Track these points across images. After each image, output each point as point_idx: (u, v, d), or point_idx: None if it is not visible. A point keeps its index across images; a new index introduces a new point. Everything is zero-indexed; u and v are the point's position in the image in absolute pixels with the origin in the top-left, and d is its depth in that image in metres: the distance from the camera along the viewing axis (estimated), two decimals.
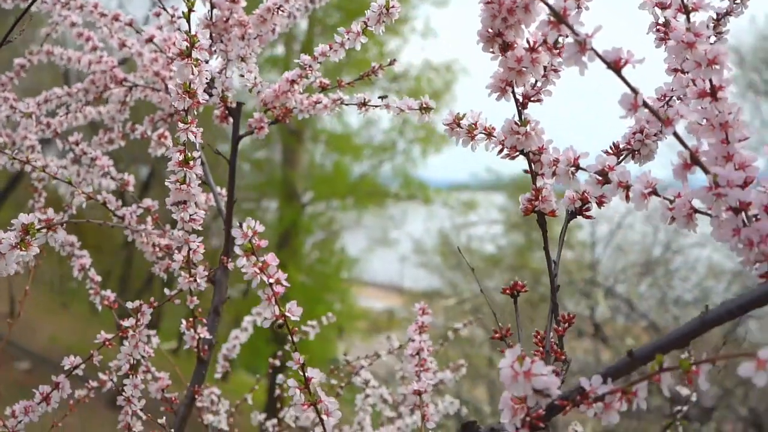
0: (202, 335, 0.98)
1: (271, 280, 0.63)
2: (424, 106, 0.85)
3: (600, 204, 0.68)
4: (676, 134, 0.52)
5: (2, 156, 1.06)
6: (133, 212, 1.04)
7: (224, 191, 1.13)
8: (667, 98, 0.70)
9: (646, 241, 7.68)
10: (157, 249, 1.03)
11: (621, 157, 0.69)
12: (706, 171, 0.52)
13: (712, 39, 0.73)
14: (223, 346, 1.44)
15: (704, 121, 0.56)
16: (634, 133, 0.69)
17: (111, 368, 1.10)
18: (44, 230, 0.69)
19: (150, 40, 1.06)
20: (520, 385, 0.50)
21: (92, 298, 1.08)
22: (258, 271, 0.62)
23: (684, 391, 1.09)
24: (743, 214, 0.52)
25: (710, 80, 0.54)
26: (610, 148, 0.70)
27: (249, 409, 1.51)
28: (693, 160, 0.52)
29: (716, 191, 0.51)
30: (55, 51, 1.28)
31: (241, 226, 0.62)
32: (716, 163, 0.54)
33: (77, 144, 1.12)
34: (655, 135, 0.68)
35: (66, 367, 0.93)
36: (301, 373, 0.65)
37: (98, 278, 1.10)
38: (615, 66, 0.51)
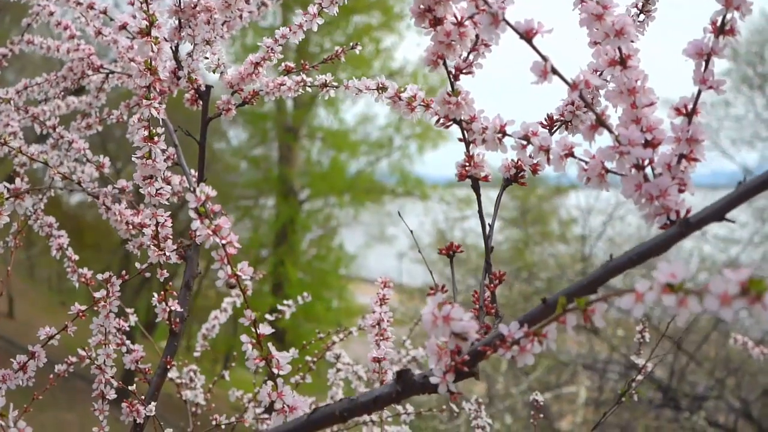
0: (173, 308, 1.02)
1: (224, 242, 0.67)
2: (381, 86, 0.90)
3: (534, 172, 0.72)
4: (581, 97, 0.56)
5: None
6: (108, 192, 1.08)
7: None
8: (598, 72, 0.74)
9: (641, 234, 7.75)
10: (131, 227, 1.07)
11: (554, 128, 0.74)
12: (611, 132, 0.56)
13: (641, 17, 0.78)
14: (202, 326, 1.49)
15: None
16: (567, 105, 0.74)
17: (90, 344, 1.14)
18: (12, 199, 0.73)
19: (123, 27, 1.11)
20: (440, 328, 0.55)
21: (70, 275, 1.13)
22: (211, 233, 0.67)
23: (639, 360, 1.14)
24: (647, 170, 0.57)
25: (619, 49, 0.59)
26: (545, 119, 0.74)
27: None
28: (599, 122, 0.57)
29: (619, 149, 0.55)
30: (35, 40, 1.32)
31: (194, 191, 0.66)
32: (626, 126, 0.58)
33: (54, 128, 1.16)
34: (585, 107, 0.72)
35: (42, 338, 0.97)
36: (253, 330, 0.70)
37: (76, 257, 1.14)
38: (527, 36, 0.55)
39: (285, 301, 1.47)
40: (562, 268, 7.30)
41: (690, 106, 0.57)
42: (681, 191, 0.56)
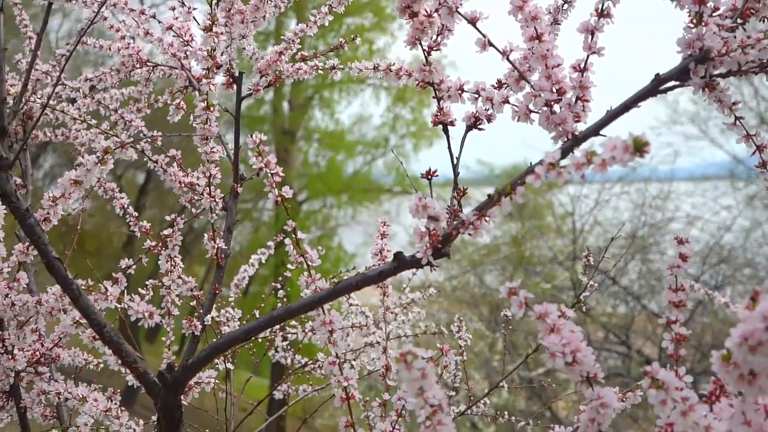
0: (219, 245, 1.31)
1: (272, 172, 0.96)
2: (375, 66, 1.19)
3: (489, 120, 1.01)
4: (508, 60, 0.85)
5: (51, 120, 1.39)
6: (162, 159, 1.37)
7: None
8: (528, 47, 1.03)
9: (633, 221, 8.08)
10: (182, 185, 1.36)
11: (503, 87, 1.03)
12: (529, 83, 0.85)
13: (565, 6, 1.07)
14: (234, 278, 1.78)
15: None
16: (510, 71, 1.03)
17: (148, 285, 1.42)
18: (119, 149, 1.01)
19: (170, 27, 1.39)
20: (420, 213, 0.84)
21: (132, 228, 1.41)
22: (263, 165, 0.96)
23: (584, 278, 1.42)
24: (556, 108, 0.86)
25: (535, 29, 0.88)
26: (496, 82, 1.03)
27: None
28: (521, 76, 0.86)
29: (534, 94, 0.84)
30: (89, 41, 1.61)
31: (251, 136, 0.96)
32: (540, 80, 0.87)
33: (116, 111, 1.45)
34: (513, 68, 1.01)
35: (122, 267, 1.26)
36: (294, 236, 0.99)
37: (135, 213, 1.43)
38: (472, 21, 0.85)
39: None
40: (557, 258, 7.61)
41: (582, 65, 0.86)
42: (577, 121, 0.85)
